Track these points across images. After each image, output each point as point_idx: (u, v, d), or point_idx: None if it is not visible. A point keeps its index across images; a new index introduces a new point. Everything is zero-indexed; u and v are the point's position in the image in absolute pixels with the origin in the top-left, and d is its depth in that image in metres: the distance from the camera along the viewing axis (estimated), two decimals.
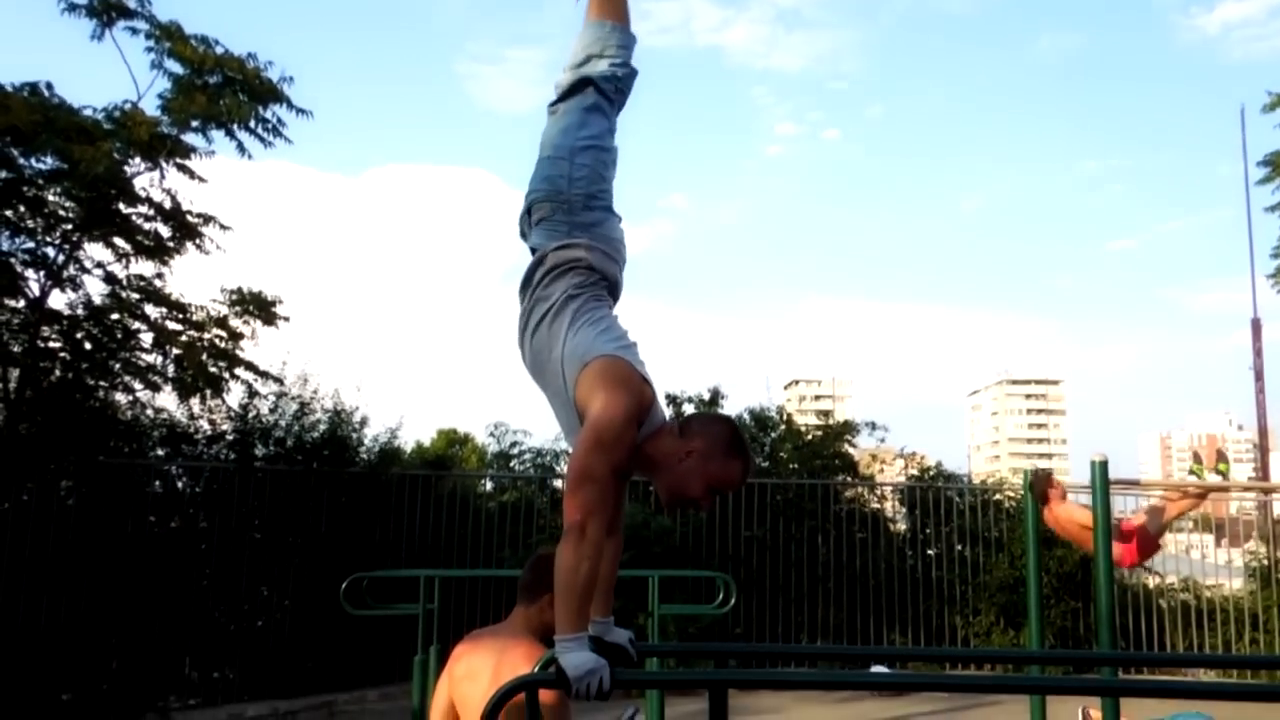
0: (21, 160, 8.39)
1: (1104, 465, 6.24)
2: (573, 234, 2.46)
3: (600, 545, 2.20)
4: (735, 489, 2.44)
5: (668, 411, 2.51)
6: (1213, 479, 7.08)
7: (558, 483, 11.88)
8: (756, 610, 10.79)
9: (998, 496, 12.23)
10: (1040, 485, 7.20)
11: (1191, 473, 7.30)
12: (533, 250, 2.53)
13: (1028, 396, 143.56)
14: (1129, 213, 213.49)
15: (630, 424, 2.27)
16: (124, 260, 9.05)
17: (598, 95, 2.57)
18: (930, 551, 11.77)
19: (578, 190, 2.48)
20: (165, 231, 9.13)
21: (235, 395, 9.90)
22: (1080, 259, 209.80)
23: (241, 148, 9.00)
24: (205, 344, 9.27)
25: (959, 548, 11.62)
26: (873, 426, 12.74)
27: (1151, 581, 11.59)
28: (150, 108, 8.74)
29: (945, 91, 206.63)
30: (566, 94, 2.58)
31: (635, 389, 2.31)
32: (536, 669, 2.38)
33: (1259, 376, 15.66)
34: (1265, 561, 11.56)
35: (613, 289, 2.53)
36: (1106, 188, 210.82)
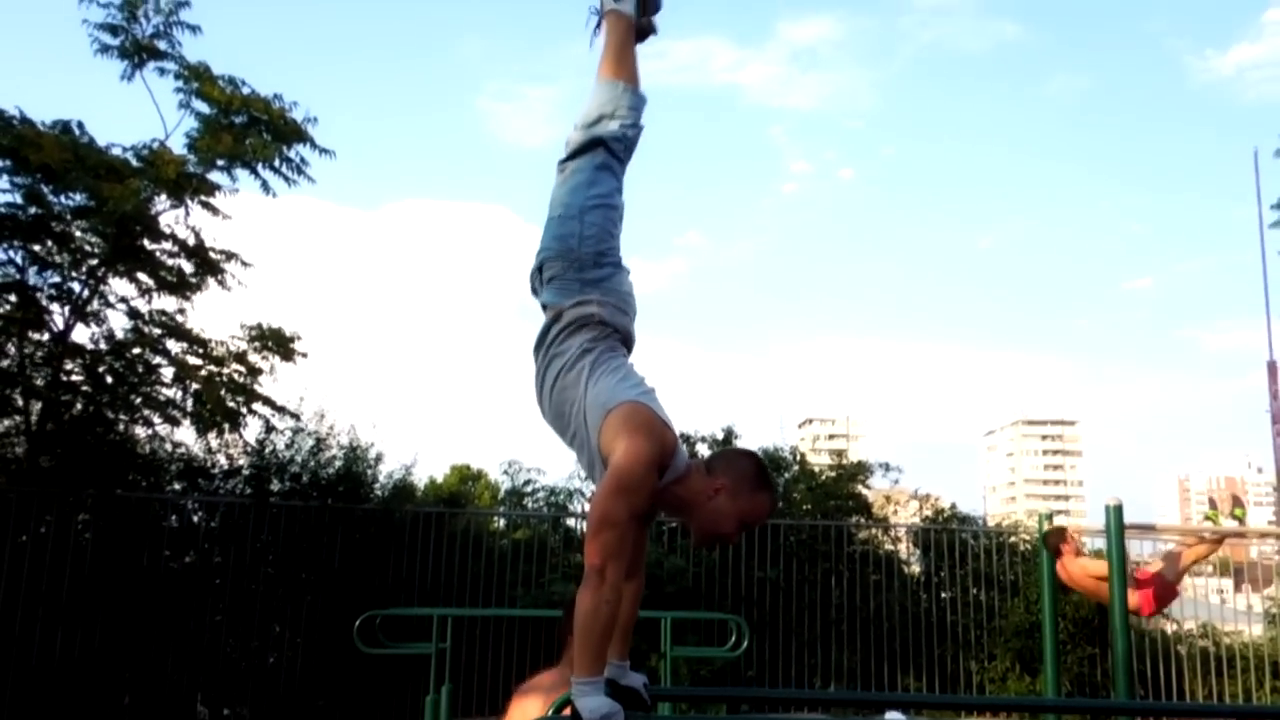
0: (51, 197, 8.57)
1: (1119, 509, 6.24)
2: (584, 290, 2.52)
3: (619, 589, 2.23)
4: (764, 521, 2.49)
5: (686, 451, 2.55)
6: (1228, 524, 7.05)
7: (571, 521, 11.87)
8: (769, 653, 10.71)
9: (1013, 539, 12.15)
10: (1054, 540, 7.19)
11: (1207, 518, 7.27)
12: (544, 307, 2.58)
13: (1044, 437, 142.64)
14: (1145, 253, 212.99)
15: (651, 470, 2.31)
16: (147, 295, 9.20)
17: (607, 154, 2.64)
18: (945, 595, 11.69)
19: (588, 248, 2.54)
20: (188, 267, 9.28)
21: (252, 430, 9.99)
22: (1096, 299, 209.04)
23: (265, 186, 9.17)
24: (224, 379, 9.37)
25: (974, 591, 11.53)
26: (886, 468, 12.71)
27: (1169, 628, 11.45)
28: (177, 146, 8.94)
29: (960, 131, 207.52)
30: (577, 152, 2.64)
31: (657, 435, 2.35)
32: (552, 711, 2.40)
33: (1276, 420, 15.51)
34: None
35: (626, 341, 2.58)
36: (1122, 228, 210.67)
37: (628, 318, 2.59)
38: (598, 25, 2.84)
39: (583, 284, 2.53)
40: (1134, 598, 6.91)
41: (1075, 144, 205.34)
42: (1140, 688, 10.20)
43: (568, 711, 2.16)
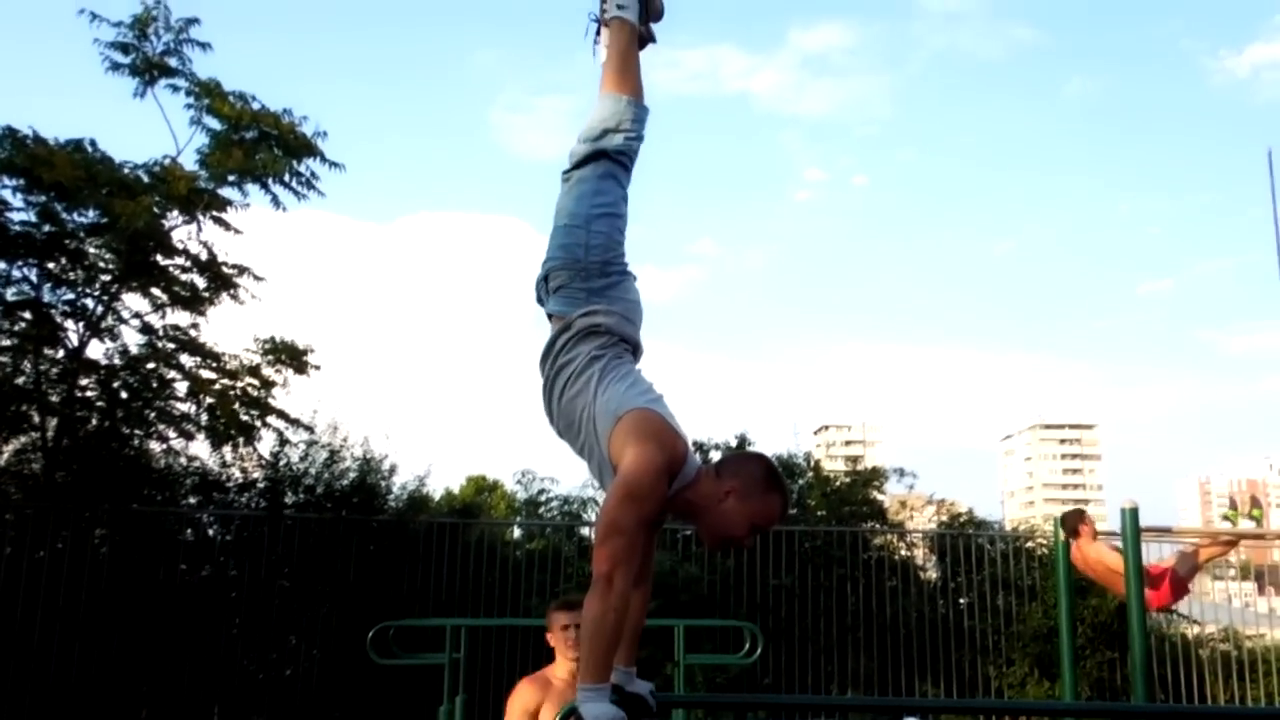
0: (64, 215, 8.65)
1: (1134, 512, 6.19)
2: (591, 300, 2.52)
3: (627, 596, 2.22)
4: (776, 523, 2.49)
5: (697, 457, 2.55)
6: (1246, 525, 6.99)
7: (585, 530, 11.86)
8: (785, 660, 10.66)
9: (1030, 544, 12.07)
10: (1072, 521, 7.15)
11: (1226, 518, 7.22)
12: (550, 317, 2.58)
13: (1062, 441, 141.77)
14: (1164, 255, 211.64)
15: (660, 477, 2.30)
16: (160, 311, 9.28)
17: (612, 164, 2.64)
18: (962, 600, 11.61)
19: (594, 257, 2.54)
20: (201, 282, 9.34)
21: (266, 443, 10.04)
22: (1114, 302, 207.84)
23: (276, 200, 9.23)
24: (238, 392, 9.42)
25: (991, 596, 11.46)
26: (901, 473, 12.65)
27: (1190, 631, 11.34)
28: (189, 162, 9.02)
29: (975, 136, 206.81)
30: (581, 163, 2.65)
31: (667, 442, 2.35)
32: (559, 718, 2.39)
33: None
34: None
35: (634, 348, 2.58)
36: (1141, 230, 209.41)
37: (635, 325, 2.59)
38: (598, 33, 2.84)
39: (590, 293, 2.53)
40: (1146, 592, 6.86)
41: (1092, 147, 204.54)
42: (1160, 692, 10.10)
43: None
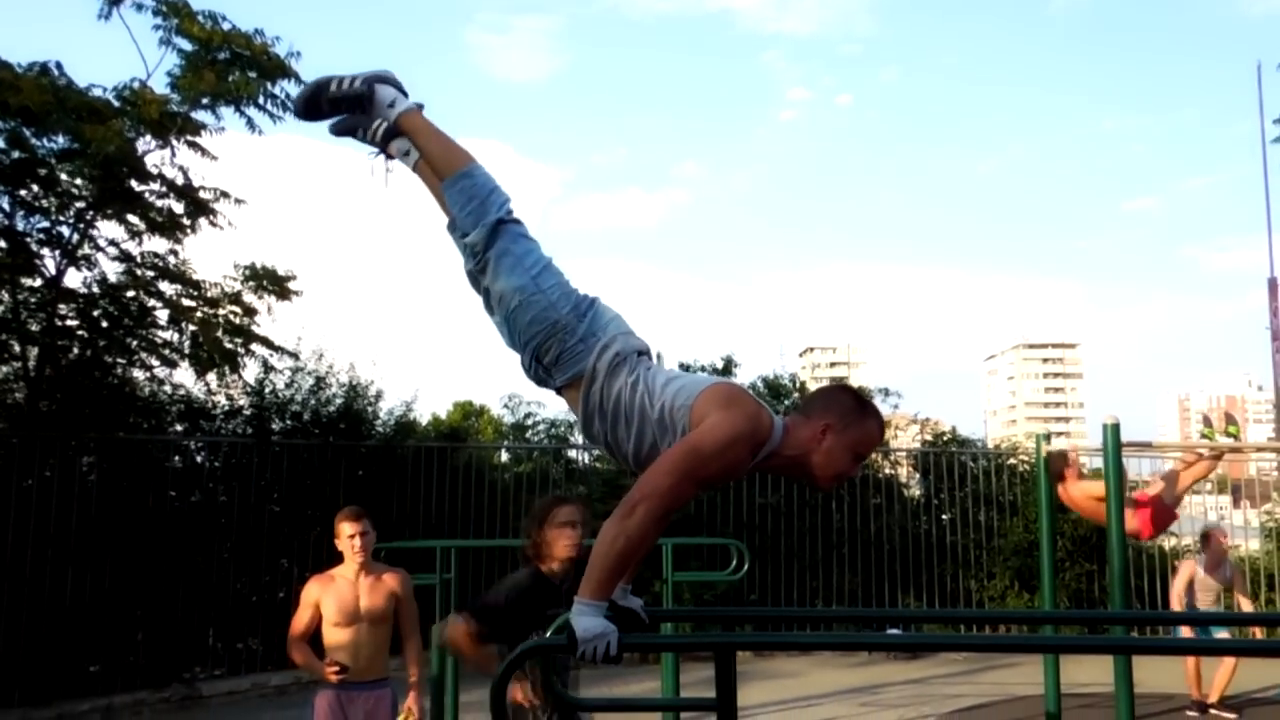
0: (34, 140, 8.45)
1: (1116, 428, 6.25)
2: (589, 342, 2.46)
3: (646, 531, 2.21)
4: (877, 446, 2.44)
5: (779, 419, 2.52)
6: (1224, 442, 7.08)
7: (572, 453, 11.96)
8: (771, 577, 10.87)
9: (1012, 461, 12.24)
10: (1056, 464, 7.24)
11: (1203, 435, 7.31)
12: (564, 389, 2.51)
13: (1045, 360, 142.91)
14: (1149, 172, 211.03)
15: (735, 442, 2.26)
16: (138, 238, 9.14)
17: (508, 225, 2.55)
18: (945, 516, 11.82)
19: (565, 308, 2.47)
20: (178, 208, 9.18)
21: (251, 371, 10.01)
22: (1099, 220, 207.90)
23: (251, 124, 9.03)
24: (220, 320, 9.34)
25: (973, 512, 11.66)
26: (885, 393, 12.75)
27: (1167, 544, 11.59)
28: (159, 86, 8.79)
29: (959, 54, 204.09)
30: (485, 245, 2.52)
31: (750, 409, 2.32)
32: (550, 632, 2.42)
33: (1276, 336, 15.51)
34: None
35: (647, 354, 2.55)
36: (1125, 147, 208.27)
37: (635, 335, 2.56)
38: (387, 154, 2.69)
39: (583, 339, 2.47)
40: (1133, 521, 6.97)
41: (1077, 64, 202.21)
42: (1137, 602, 10.36)
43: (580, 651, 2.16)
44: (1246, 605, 8.55)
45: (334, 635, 4.58)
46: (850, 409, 2.42)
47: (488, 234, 2.53)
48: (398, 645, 4.78)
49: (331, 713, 4.52)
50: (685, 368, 12.12)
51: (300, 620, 4.61)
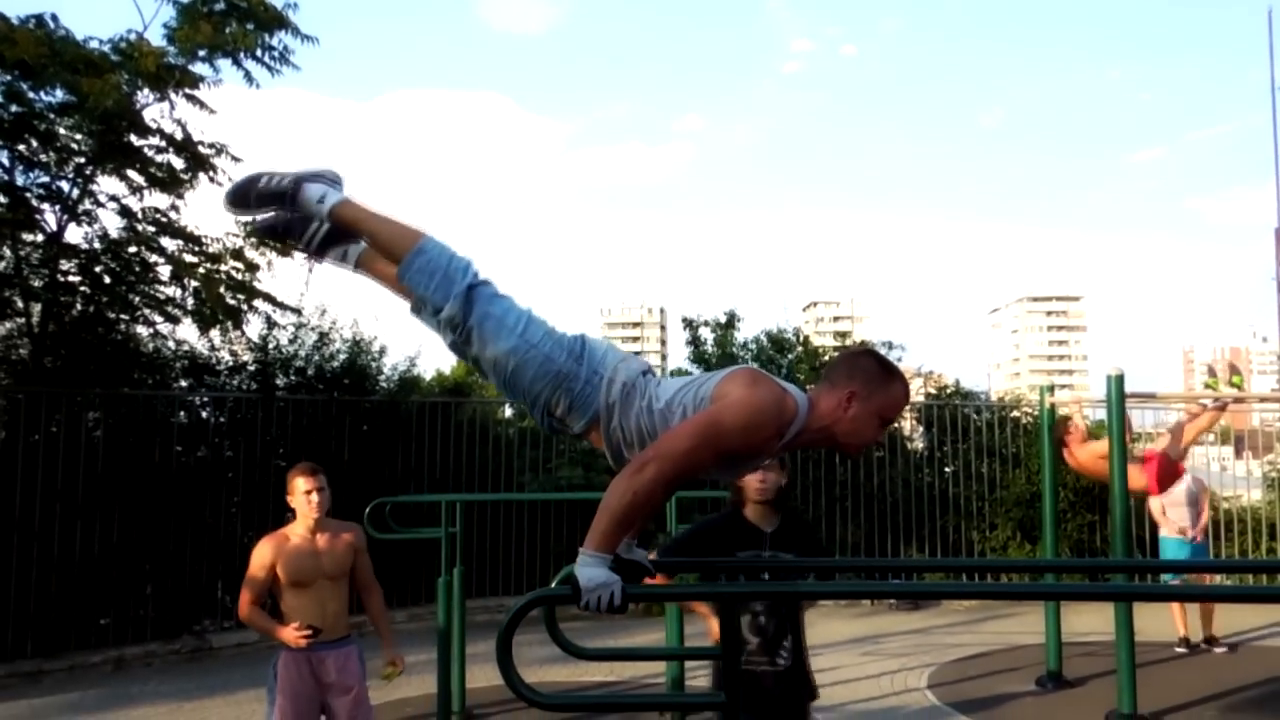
0: (31, 94, 8.37)
1: (1119, 379, 6.25)
2: (595, 380, 2.44)
3: (654, 491, 2.20)
4: (904, 408, 2.41)
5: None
6: (1228, 392, 7.09)
7: None
8: None
9: (1015, 413, 12.25)
10: (1058, 431, 7.27)
11: (1207, 386, 7.32)
12: (585, 433, 2.48)
13: (1049, 314, 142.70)
14: (1156, 122, 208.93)
15: (756, 418, 2.25)
16: (138, 193, 9.08)
17: (480, 289, 2.50)
18: (948, 469, 11.86)
19: (560, 356, 2.44)
20: (178, 163, 9.11)
21: (254, 327, 10.00)
22: (1105, 171, 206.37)
23: (249, 76, 8.94)
24: (222, 276, 9.32)
25: (976, 464, 11.69)
26: (889, 346, 12.72)
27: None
28: (156, 38, 8.68)
29: (962, 2, 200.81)
30: (464, 314, 2.48)
31: (776, 391, 2.31)
32: (555, 583, 2.44)
33: None
34: None
35: (650, 372, 2.54)
36: (1133, 97, 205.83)
37: (633, 358, 2.54)
38: (320, 259, 2.68)
39: (587, 380, 2.45)
40: (1140, 478, 7.01)
41: (1082, 11, 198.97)
42: (1139, 551, 10.41)
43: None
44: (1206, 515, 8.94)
45: (295, 597, 4.47)
46: (874, 374, 2.40)
47: (462, 304, 2.48)
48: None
49: (301, 677, 4.38)
50: (689, 323, 12.10)
51: (254, 585, 4.47)
